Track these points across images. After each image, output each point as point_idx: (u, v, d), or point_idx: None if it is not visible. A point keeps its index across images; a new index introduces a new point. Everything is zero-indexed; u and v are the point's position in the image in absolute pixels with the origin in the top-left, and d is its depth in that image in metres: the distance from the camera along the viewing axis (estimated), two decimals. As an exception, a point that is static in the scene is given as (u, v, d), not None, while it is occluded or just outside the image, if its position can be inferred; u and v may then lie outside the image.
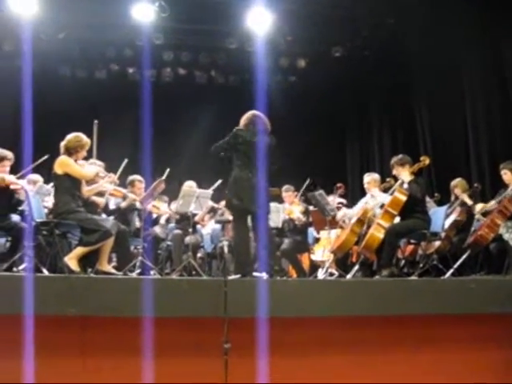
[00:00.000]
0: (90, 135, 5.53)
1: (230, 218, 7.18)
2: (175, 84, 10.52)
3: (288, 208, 6.94)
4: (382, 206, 5.82)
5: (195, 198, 6.35)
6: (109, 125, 9.35)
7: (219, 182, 6.49)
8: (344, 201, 7.39)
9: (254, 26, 9.05)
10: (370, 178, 6.39)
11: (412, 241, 6.21)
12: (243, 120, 5.27)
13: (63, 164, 5.12)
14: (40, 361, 4.08)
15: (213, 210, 7.38)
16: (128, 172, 6.45)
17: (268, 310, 4.09)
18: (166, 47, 9.85)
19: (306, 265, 7.20)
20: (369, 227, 5.82)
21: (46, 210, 5.99)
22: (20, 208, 5.97)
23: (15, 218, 5.95)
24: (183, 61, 10.24)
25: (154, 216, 7.01)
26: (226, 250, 4.08)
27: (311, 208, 7.00)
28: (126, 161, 5.92)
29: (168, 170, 6.35)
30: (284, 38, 9.76)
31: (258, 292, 4.12)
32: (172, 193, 7.52)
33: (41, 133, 9.38)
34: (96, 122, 5.96)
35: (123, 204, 6.26)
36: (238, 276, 4.83)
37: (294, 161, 9.30)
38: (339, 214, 6.57)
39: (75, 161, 5.22)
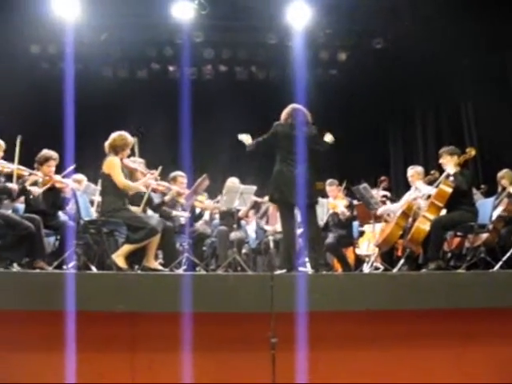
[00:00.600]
0: (133, 135, 5.59)
1: (267, 227, 7.26)
2: (216, 81, 10.56)
3: (332, 202, 6.90)
4: (429, 197, 5.73)
5: (239, 194, 6.38)
6: (150, 123, 9.53)
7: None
8: (388, 194, 7.31)
9: (293, 21, 9.00)
10: (413, 171, 6.33)
11: (458, 233, 6.10)
12: (283, 114, 5.31)
13: (110, 166, 5.22)
14: (90, 356, 4.18)
15: (257, 206, 7.40)
16: (169, 169, 6.52)
17: (314, 304, 4.08)
18: (206, 45, 9.89)
19: (350, 259, 7.16)
20: (414, 220, 5.75)
21: (93, 209, 6.11)
22: (67, 207, 6.11)
23: (63, 217, 6.09)
24: (223, 58, 10.26)
25: (198, 211, 7.04)
26: (271, 245, 4.08)
27: (355, 202, 6.95)
28: (160, 168, 5.95)
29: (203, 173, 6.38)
30: (323, 31, 9.68)
31: (304, 286, 4.12)
32: (214, 190, 7.58)
33: (84, 133, 9.62)
34: (140, 130, 5.96)
35: (167, 197, 6.33)
36: (284, 271, 4.84)
37: (337, 155, 9.23)
38: (380, 210, 6.50)
39: (121, 159, 5.31)
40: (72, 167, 6.08)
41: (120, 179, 5.22)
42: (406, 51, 10.07)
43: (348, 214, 6.84)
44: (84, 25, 9.13)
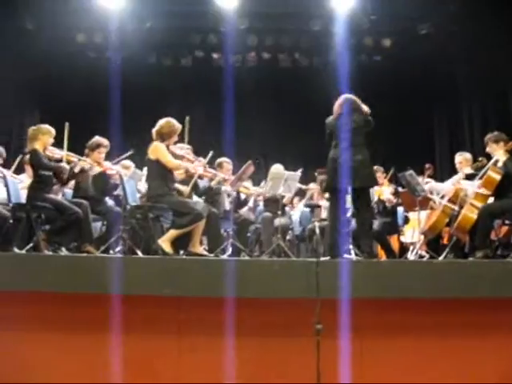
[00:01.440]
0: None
1: (320, 202, 7.24)
2: (259, 68, 10.55)
3: (378, 189, 6.82)
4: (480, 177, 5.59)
5: (283, 180, 6.37)
6: (194, 110, 9.57)
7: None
8: (433, 182, 7.20)
9: (337, 7, 8.93)
10: (461, 158, 6.23)
11: (507, 222, 5.96)
12: (335, 105, 5.31)
13: (156, 150, 5.28)
14: (137, 340, 4.26)
15: (301, 193, 7.38)
16: (216, 154, 6.55)
17: (359, 291, 4.06)
18: (249, 32, 9.88)
19: (395, 247, 7.09)
20: (461, 207, 5.65)
21: (139, 195, 6.20)
22: (115, 193, 6.22)
23: (110, 202, 6.21)
24: (267, 45, 10.24)
25: (242, 197, 7.07)
26: (317, 231, 4.07)
27: (400, 189, 6.87)
28: (210, 153, 5.99)
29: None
30: (368, 16, 9.56)
31: (349, 273, 4.10)
32: (258, 177, 7.60)
33: (129, 120, 9.77)
34: (188, 118, 6.03)
35: (213, 183, 6.38)
36: (328, 257, 4.83)
37: (382, 142, 9.13)
38: (426, 186, 6.42)
39: (167, 146, 5.36)
40: (129, 153, 6.20)
41: (169, 159, 5.30)
42: (452, 37, 9.87)
43: (394, 201, 6.78)
44: (128, 13, 9.25)
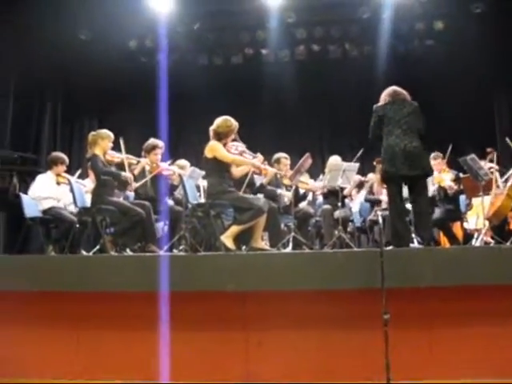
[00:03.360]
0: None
1: (380, 194, 7.16)
2: (309, 61, 10.45)
3: (437, 176, 6.68)
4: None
5: (342, 171, 6.33)
6: (247, 107, 9.62)
7: (361, 150, 6.51)
8: (495, 166, 6.99)
9: (386, -8, 8.79)
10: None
11: None
12: (382, 95, 5.25)
13: (213, 149, 5.32)
14: (204, 335, 4.32)
15: (360, 184, 7.31)
16: (271, 151, 6.57)
17: (425, 280, 4.00)
18: (298, 25, 9.79)
19: (458, 234, 6.94)
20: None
21: (198, 193, 6.29)
22: (174, 192, 6.33)
23: (170, 202, 6.33)
24: (316, 37, 10.12)
25: (302, 191, 7.06)
26: (380, 220, 4.02)
27: (462, 175, 6.71)
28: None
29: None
30: (418, 0, 9.36)
31: (414, 262, 4.05)
32: (315, 170, 7.57)
33: (184, 122, 9.90)
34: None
35: (265, 180, 6.40)
36: (392, 247, 4.78)
37: (439, 128, 8.93)
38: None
39: (224, 144, 5.41)
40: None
41: (227, 155, 5.34)
42: (509, 14, 9.54)
43: (455, 187, 6.63)
44: (177, 15, 9.35)
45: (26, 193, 6.64)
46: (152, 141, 6.17)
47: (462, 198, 7.10)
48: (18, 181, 6.64)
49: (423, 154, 5.03)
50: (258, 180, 6.44)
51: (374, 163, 6.46)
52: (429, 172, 5.13)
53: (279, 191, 6.42)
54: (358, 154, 6.65)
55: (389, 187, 5.16)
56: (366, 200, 7.44)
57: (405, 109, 5.05)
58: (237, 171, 5.63)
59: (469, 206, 7.11)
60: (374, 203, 7.31)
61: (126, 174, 5.71)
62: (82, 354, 4.49)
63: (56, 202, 6.38)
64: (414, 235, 5.50)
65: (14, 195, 6.53)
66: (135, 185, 5.88)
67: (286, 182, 6.42)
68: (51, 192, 6.36)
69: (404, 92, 5.21)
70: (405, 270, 4.04)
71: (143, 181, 5.95)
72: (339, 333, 4.24)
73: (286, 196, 6.40)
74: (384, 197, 7.02)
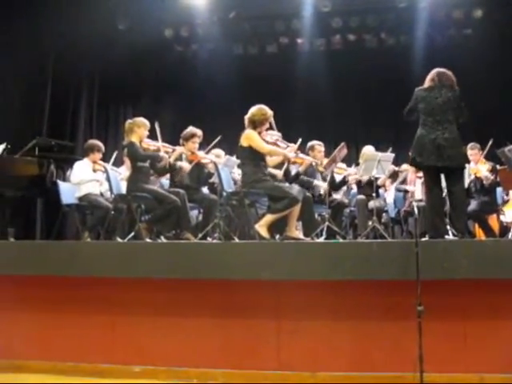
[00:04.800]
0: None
1: (412, 186, 7.11)
2: (344, 51, 10.37)
3: (474, 167, 6.59)
4: None
5: (377, 162, 6.29)
6: (282, 96, 9.61)
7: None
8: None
9: (423, -20, 8.66)
10: None
11: None
12: (426, 79, 5.14)
13: (248, 138, 5.33)
14: (236, 321, 4.36)
15: (395, 174, 7.25)
16: (306, 139, 6.55)
17: (461, 272, 3.96)
18: (333, 14, 9.70)
19: (494, 227, 6.83)
20: None
21: (233, 182, 6.32)
22: (210, 181, 6.38)
23: (205, 190, 6.38)
24: (352, 26, 10.01)
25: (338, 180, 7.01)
26: (416, 211, 3.99)
27: (499, 166, 6.60)
28: (299, 141, 5.98)
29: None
30: (456, -13, 9.20)
31: (450, 253, 4.00)
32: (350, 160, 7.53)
33: (219, 111, 9.94)
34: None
35: (301, 169, 6.39)
36: (427, 238, 4.74)
37: (478, 118, 8.79)
38: None
39: (259, 133, 5.41)
40: (218, 138, 6.33)
41: (263, 145, 5.34)
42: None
43: (492, 178, 6.53)
44: (212, 4, 9.37)
45: (63, 180, 6.76)
46: (191, 129, 6.21)
47: (499, 190, 6.99)
48: (55, 168, 6.74)
49: (456, 145, 4.90)
50: (294, 168, 6.43)
51: (410, 153, 6.40)
52: (461, 163, 5.04)
53: (315, 182, 6.39)
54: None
55: (425, 177, 5.11)
56: (397, 189, 7.39)
57: (440, 98, 4.95)
58: (271, 160, 5.64)
59: (507, 198, 7.01)
60: (406, 193, 7.27)
61: (164, 155, 5.77)
62: (119, 340, 4.57)
63: (99, 184, 6.48)
64: (448, 227, 5.43)
65: (51, 182, 6.64)
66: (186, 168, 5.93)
67: (321, 169, 6.40)
68: (93, 176, 6.47)
69: (448, 74, 5.09)
70: (440, 262, 4.00)
71: (188, 169, 5.98)
72: (372, 324, 4.23)
73: (322, 187, 6.38)
74: (416, 187, 6.96)
